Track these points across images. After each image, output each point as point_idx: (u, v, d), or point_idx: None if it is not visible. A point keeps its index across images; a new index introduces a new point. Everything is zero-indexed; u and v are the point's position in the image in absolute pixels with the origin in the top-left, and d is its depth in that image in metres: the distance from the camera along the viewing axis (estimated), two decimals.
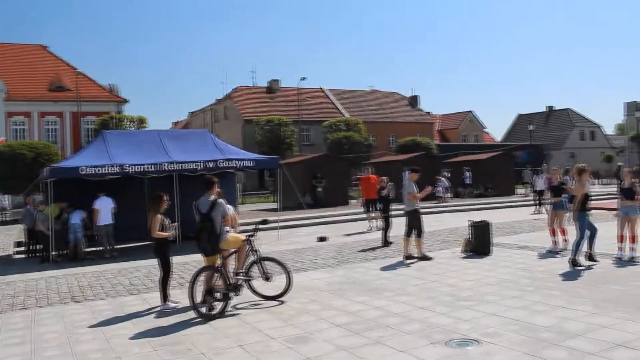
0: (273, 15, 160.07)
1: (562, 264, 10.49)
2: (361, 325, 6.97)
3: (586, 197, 10.24)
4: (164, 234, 8.49)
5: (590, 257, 10.25)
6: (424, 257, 11.68)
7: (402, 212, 12.97)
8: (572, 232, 12.26)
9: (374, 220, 18.09)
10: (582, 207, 10.14)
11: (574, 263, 9.97)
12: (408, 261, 11.62)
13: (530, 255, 11.65)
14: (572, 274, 9.47)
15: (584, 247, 10.21)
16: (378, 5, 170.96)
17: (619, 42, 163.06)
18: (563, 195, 12.22)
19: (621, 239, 10.55)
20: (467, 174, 32.16)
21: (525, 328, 6.47)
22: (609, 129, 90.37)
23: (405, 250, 11.89)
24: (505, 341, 6.04)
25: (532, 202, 24.41)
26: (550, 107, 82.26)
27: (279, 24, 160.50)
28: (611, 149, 72.62)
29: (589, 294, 8.00)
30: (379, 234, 14.74)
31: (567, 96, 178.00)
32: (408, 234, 11.92)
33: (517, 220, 19.16)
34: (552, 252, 11.78)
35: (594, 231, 10.27)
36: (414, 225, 11.86)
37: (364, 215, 19.15)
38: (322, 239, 15.65)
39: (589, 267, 9.86)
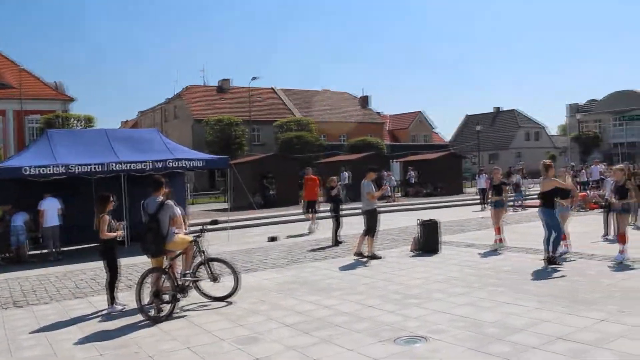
0: (223, 13, 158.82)
1: (507, 260, 10.78)
2: (311, 324, 6.98)
3: (554, 193, 10.20)
4: (113, 235, 8.33)
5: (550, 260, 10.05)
6: (374, 257, 11.78)
7: (351, 211, 13.05)
8: (512, 229, 12.66)
9: (314, 222, 18.04)
10: (549, 203, 10.14)
11: (549, 261, 9.90)
12: (356, 257, 11.78)
13: (477, 253, 11.89)
14: (517, 271, 9.70)
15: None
16: (329, 5, 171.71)
17: (562, 46, 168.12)
18: (507, 194, 12.52)
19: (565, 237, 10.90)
20: (412, 173, 32.61)
21: (472, 324, 6.60)
22: (553, 130, 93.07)
23: (358, 247, 11.97)
24: (452, 337, 6.14)
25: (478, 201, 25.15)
26: (497, 108, 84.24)
27: (229, 22, 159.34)
28: (555, 149, 74.75)
29: (532, 290, 8.23)
30: (330, 234, 14.74)
31: (513, 98, 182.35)
32: (366, 233, 11.99)
33: (466, 218, 19.56)
34: (498, 250, 12.04)
35: (558, 232, 10.15)
36: (371, 224, 11.95)
37: (303, 217, 19.33)
38: (272, 239, 15.61)
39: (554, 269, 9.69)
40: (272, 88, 64.46)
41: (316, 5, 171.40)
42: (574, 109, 68.67)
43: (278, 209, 24.41)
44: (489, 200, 13.01)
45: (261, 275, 10.65)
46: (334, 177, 14.81)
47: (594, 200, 21.24)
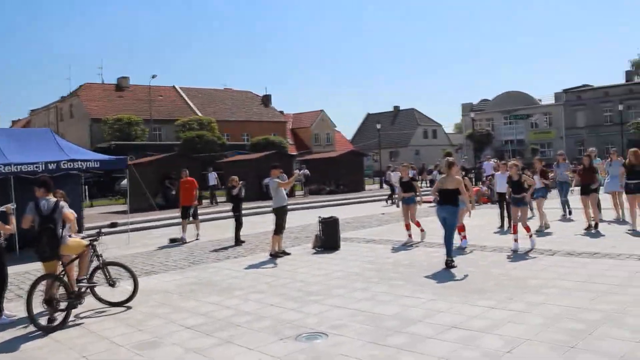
0: (120, 8, 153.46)
1: (406, 255, 11.16)
2: (212, 325, 6.92)
3: (458, 191, 10.04)
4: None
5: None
6: (284, 253, 11.96)
7: (250, 210, 13.02)
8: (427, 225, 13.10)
9: (194, 228, 16.06)
10: (454, 201, 9.90)
11: (446, 263, 9.68)
12: (271, 257, 11.79)
13: (377, 249, 12.20)
14: (415, 264, 10.06)
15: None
16: (231, 4, 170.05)
17: (457, 48, 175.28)
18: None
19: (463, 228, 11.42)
20: (306, 171, 32.92)
21: (371, 318, 6.78)
22: (449, 128, 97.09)
23: (273, 247, 11.99)
24: (352, 332, 6.28)
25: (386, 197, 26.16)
26: (397, 107, 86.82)
27: (127, 18, 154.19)
28: (451, 146, 77.99)
29: (429, 282, 8.57)
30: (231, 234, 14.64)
31: (412, 97, 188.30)
32: (276, 232, 12.02)
33: (367, 215, 20.02)
34: (407, 245, 12.28)
35: (453, 230, 10.09)
36: (279, 222, 12.00)
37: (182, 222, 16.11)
38: (173, 241, 15.31)
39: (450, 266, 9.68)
40: (173, 86, 63.15)
41: (218, 3, 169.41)
42: (467, 108, 71.88)
43: (178, 210, 23.92)
44: (399, 197, 13.26)
45: (162, 277, 10.42)
46: (235, 177, 14.68)
47: (486, 195, 22.37)
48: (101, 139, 45.08)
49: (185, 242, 15.09)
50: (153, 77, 51.26)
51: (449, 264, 9.53)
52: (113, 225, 18.92)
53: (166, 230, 18.57)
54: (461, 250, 11.04)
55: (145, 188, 18.97)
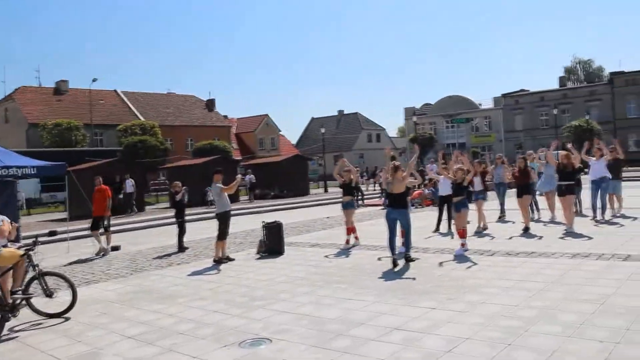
0: (58, 10, 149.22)
1: (350, 258, 11.27)
2: (154, 334, 6.82)
3: (406, 193, 10.41)
4: None
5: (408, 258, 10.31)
6: (226, 259, 11.88)
7: (196, 217, 12.89)
8: (364, 228, 13.24)
9: (104, 240, 14.80)
10: (403, 204, 10.24)
11: (407, 259, 10.19)
12: (215, 263, 11.69)
13: (321, 252, 12.25)
14: (358, 267, 10.16)
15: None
16: (174, 7, 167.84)
17: (400, 52, 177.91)
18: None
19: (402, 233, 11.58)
20: (251, 176, 32.75)
21: (315, 322, 6.81)
22: (392, 132, 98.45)
23: (217, 253, 11.89)
24: (296, 336, 6.30)
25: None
26: (341, 111, 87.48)
27: (65, 20, 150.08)
28: (395, 150, 78.98)
29: (372, 285, 8.67)
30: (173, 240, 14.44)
31: (355, 101, 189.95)
32: (220, 237, 11.92)
33: (311, 219, 20.08)
34: (346, 250, 12.38)
35: (409, 230, 10.45)
36: (223, 227, 11.91)
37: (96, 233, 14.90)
38: (115, 248, 14.98)
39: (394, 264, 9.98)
40: (114, 91, 61.79)
41: (160, 6, 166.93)
42: (410, 112, 73.03)
43: (120, 217, 23.49)
44: (342, 200, 13.32)
45: (103, 286, 10.20)
46: (178, 182, 14.50)
47: (429, 197, 22.78)
48: (39, 145, 43.67)
49: (106, 254, 14.22)
50: (94, 80, 50.04)
51: (410, 258, 10.13)
52: (52, 233, 18.39)
53: None
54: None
55: (86, 195, 18.50)
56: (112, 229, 15.71)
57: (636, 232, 12.04)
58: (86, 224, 19.89)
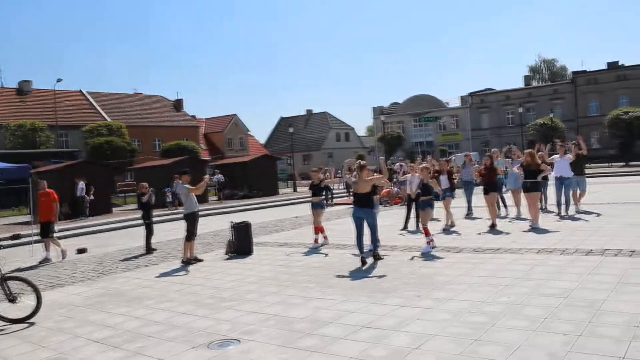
0: (20, 9, 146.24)
1: (317, 257, 11.29)
2: (121, 337, 6.72)
3: (372, 193, 10.43)
4: None
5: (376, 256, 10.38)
6: (195, 260, 11.79)
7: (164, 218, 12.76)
8: (332, 228, 13.27)
9: (56, 247, 13.97)
10: (369, 203, 10.31)
11: (375, 257, 10.28)
12: (183, 264, 11.58)
13: (290, 252, 12.24)
14: (326, 266, 10.18)
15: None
16: (139, 6, 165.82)
17: (367, 51, 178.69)
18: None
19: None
20: (220, 176, 32.57)
21: (282, 322, 6.80)
22: (361, 131, 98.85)
23: (185, 254, 11.78)
24: (264, 337, 6.28)
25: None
26: (309, 111, 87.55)
27: (27, 18, 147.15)
28: (363, 149, 79.54)
29: (340, 283, 8.69)
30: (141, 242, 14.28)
31: (324, 100, 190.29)
32: (188, 238, 11.81)
33: (280, 219, 20.04)
34: (314, 249, 12.38)
35: (376, 229, 10.50)
36: (190, 228, 11.81)
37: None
38: (81, 251, 14.75)
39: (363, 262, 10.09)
40: (80, 91, 60.78)
41: (126, 6, 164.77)
42: (378, 111, 73.48)
43: (86, 219, 23.17)
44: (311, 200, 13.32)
45: (69, 290, 10.02)
46: (144, 183, 14.33)
47: (397, 196, 22.93)
48: (2, 146, 42.72)
49: (50, 262, 13.47)
50: (58, 80, 49.34)
51: (378, 256, 10.24)
52: (15, 237, 18.02)
53: (73, 240, 17.89)
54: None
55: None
56: (71, 232, 15.40)
57: (599, 227, 12.31)
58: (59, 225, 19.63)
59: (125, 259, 13.08)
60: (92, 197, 25.27)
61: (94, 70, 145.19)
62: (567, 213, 14.47)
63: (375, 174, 11.35)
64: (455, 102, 72.90)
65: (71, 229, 20.16)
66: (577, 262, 8.83)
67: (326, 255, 11.49)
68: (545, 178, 14.56)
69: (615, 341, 5.20)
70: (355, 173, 10.78)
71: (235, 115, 73.88)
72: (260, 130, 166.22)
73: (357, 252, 10.44)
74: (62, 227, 19.76)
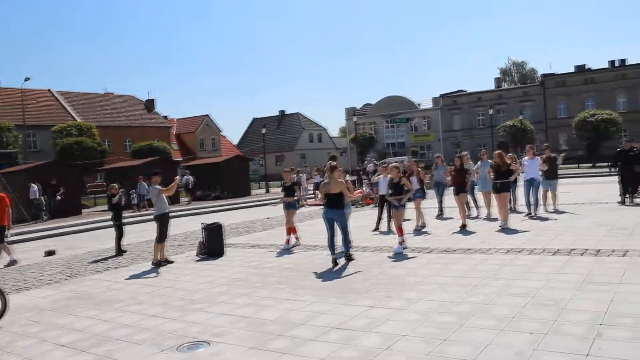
0: None
1: (289, 258, 11.27)
2: (89, 341, 6.62)
3: (342, 193, 10.34)
4: None
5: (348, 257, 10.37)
6: (165, 261, 11.72)
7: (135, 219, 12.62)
8: (305, 229, 13.27)
9: (5, 254, 13.31)
10: (340, 204, 10.27)
11: (348, 258, 10.25)
12: (153, 266, 11.47)
13: (261, 253, 12.21)
14: (297, 268, 10.17)
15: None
16: (110, 5, 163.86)
17: (340, 52, 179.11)
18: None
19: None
20: (190, 177, 32.31)
21: (253, 323, 6.77)
22: (334, 132, 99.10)
23: (155, 256, 11.67)
24: (234, 339, 6.25)
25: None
26: (282, 112, 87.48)
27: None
28: (336, 150, 79.72)
29: (311, 284, 8.69)
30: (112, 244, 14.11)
31: (297, 101, 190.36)
32: (159, 239, 11.70)
33: (251, 220, 19.98)
34: (286, 250, 12.36)
35: (347, 230, 10.48)
36: (162, 229, 11.70)
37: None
38: (49, 253, 14.52)
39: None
40: (49, 90, 59.77)
41: (96, 5, 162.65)
42: (351, 112, 73.68)
43: (55, 221, 22.82)
44: (283, 201, 13.28)
45: (35, 293, 9.84)
46: (115, 184, 14.17)
47: (370, 197, 23.01)
48: None
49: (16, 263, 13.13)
50: (26, 79, 48.32)
51: (349, 257, 10.25)
52: None
53: (41, 242, 17.62)
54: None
55: (17, 198, 17.91)
56: (39, 234, 15.13)
57: (566, 227, 12.53)
58: (17, 228, 19.30)
59: (94, 261, 12.91)
60: (59, 197, 24.94)
61: (63, 69, 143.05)
62: (535, 214, 14.69)
63: (347, 179, 11.45)
64: (427, 104, 73.47)
65: (37, 230, 19.86)
66: (544, 261, 8.97)
67: (297, 256, 11.48)
68: (515, 180, 14.77)
69: (580, 339, 5.30)
70: (327, 174, 10.78)
71: (207, 115, 73.47)
72: (233, 131, 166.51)
73: (329, 252, 10.43)
74: (29, 229, 19.50)
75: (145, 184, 26.24)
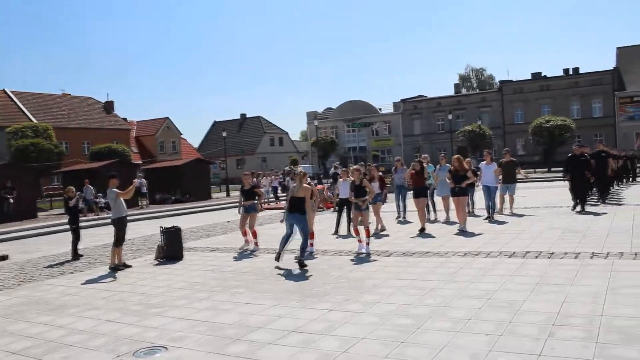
0: None
1: (248, 262, 11.24)
2: (42, 348, 6.47)
3: (305, 199, 10.49)
4: None
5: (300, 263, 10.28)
6: (123, 265, 11.53)
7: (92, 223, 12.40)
8: (265, 232, 13.24)
9: None
10: (302, 209, 10.38)
11: (300, 264, 10.12)
12: (111, 270, 11.26)
13: (221, 257, 12.13)
14: (256, 271, 10.15)
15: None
16: (68, 5, 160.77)
17: (301, 56, 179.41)
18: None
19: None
20: (143, 181, 31.76)
21: (212, 328, 6.72)
22: (295, 136, 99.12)
23: (113, 260, 11.47)
24: (193, 343, 6.19)
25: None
26: (243, 115, 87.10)
27: None
28: (297, 153, 79.73)
29: (270, 288, 8.68)
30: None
31: (258, 105, 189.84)
32: (116, 243, 11.50)
33: (212, 223, 19.82)
34: (243, 253, 12.36)
35: (307, 236, 10.57)
36: (119, 233, 11.51)
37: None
38: (2, 258, 14.12)
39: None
40: (3, 90, 58.24)
41: (54, 3, 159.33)
42: (312, 116, 73.72)
43: (9, 224, 22.23)
44: (242, 204, 13.22)
45: None
46: (72, 187, 13.87)
47: (330, 200, 23.06)
48: None
49: None
50: None
51: (301, 263, 10.12)
52: None
53: None
54: (310, 255, 11.13)
55: None
56: (0, 237, 14.72)
57: (522, 230, 12.81)
58: None
59: (49, 266, 12.62)
60: (12, 200, 24.35)
61: (18, 69, 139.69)
62: (493, 217, 14.98)
63: (312, 185, 11.57)
64: (388, 108, 74.10)
65: None
66: (500, 264, 9.15)
67: (256, 260, 11.44)
68: (472, 185, 15.01)
69: (533, 339, 5.42)
70: (297, 179, 10.88)
71: (167, 118, 72.68)
72: (193, 134, 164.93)
73: (297, 254, 10.40)
74: None
75: (92, 188, 25.79)
